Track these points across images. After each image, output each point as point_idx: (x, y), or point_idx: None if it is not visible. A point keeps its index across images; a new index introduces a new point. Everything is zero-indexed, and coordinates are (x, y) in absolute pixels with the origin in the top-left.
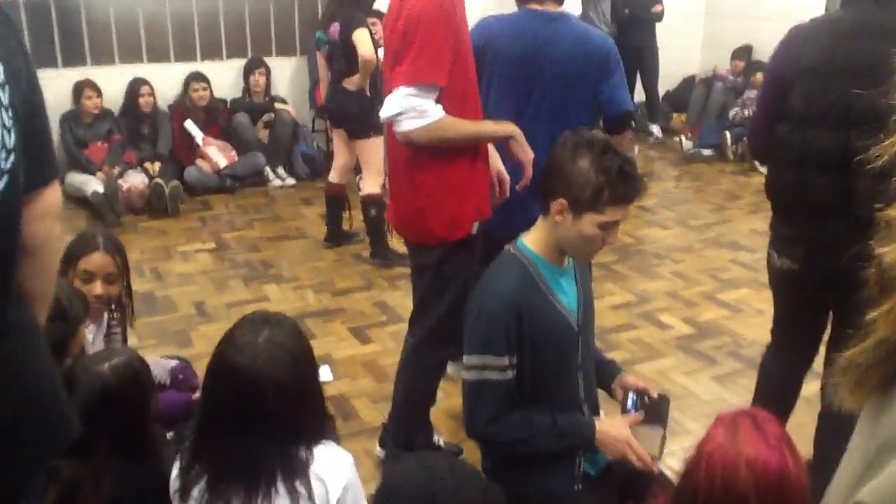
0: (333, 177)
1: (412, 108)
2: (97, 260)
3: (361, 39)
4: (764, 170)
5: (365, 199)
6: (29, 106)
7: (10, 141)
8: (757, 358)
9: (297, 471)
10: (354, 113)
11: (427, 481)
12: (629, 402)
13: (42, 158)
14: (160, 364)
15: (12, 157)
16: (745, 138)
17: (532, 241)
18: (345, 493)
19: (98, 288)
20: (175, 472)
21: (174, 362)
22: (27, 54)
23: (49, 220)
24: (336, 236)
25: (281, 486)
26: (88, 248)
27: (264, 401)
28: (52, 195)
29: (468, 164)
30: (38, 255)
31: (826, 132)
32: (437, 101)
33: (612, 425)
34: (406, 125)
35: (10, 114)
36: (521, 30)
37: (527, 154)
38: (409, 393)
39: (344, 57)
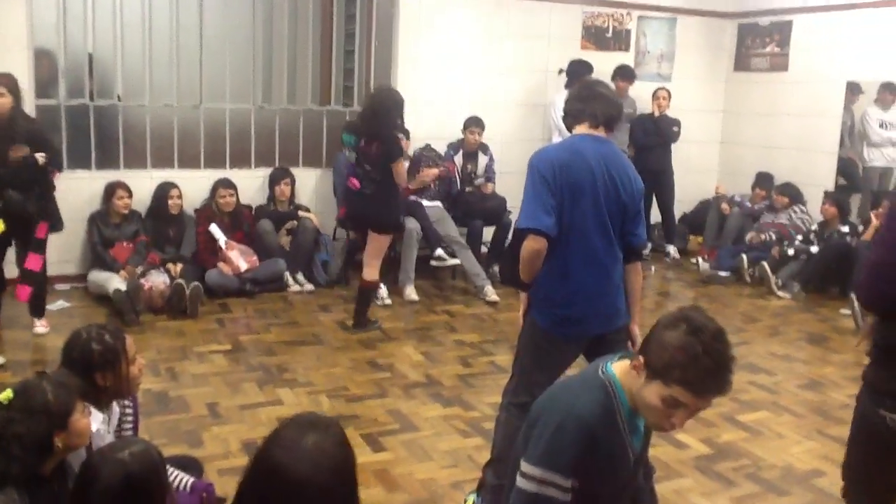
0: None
1: None
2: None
3: (399, 171)
4: (784, 294)
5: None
6: None
7: None
8: (777, 481)
9: None
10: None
11: None
12: None
13: None
14: (180, 473)
15: None
16: (763, 262)
17: (620, 373)
18: None
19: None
20: None
21: (192, 479)
22: None
23: None
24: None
25: None
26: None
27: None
28: None
29: None
30: None
31: None
32: None
33: None
34: None
35: None
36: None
37: None
38: None
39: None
